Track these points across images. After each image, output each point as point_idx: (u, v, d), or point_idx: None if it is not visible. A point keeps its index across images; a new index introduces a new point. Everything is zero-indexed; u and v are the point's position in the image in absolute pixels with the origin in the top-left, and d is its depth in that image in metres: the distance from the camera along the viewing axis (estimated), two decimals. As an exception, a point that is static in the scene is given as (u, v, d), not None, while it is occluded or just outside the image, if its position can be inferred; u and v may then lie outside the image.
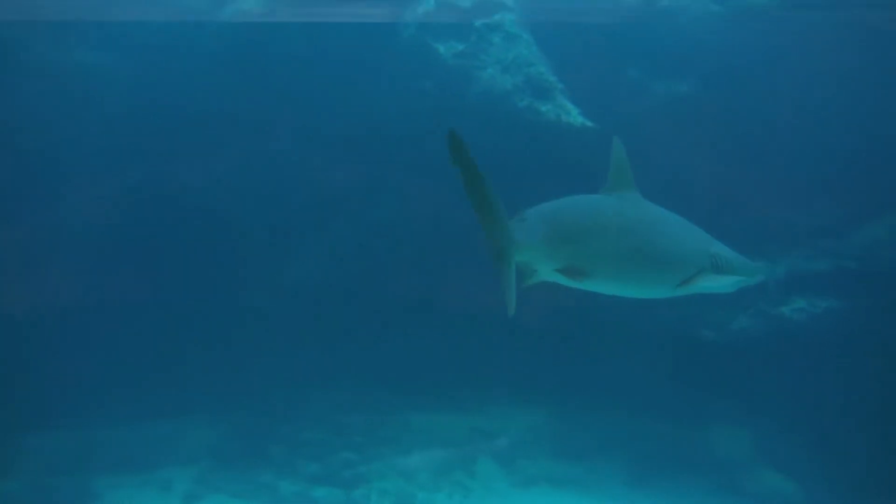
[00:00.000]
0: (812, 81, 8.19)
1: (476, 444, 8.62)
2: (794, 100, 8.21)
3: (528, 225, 4.00)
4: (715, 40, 8.26)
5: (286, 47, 8.30)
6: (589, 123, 8.04)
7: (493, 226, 3.78)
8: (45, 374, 8.18)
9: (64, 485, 7.82)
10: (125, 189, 8.47)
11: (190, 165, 8.44)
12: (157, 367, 8.52)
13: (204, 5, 8.22)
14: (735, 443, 8.29)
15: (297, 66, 8.30)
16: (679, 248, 4.12)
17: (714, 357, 8.07)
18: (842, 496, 7.45)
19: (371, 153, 8.48)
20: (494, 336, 8.65)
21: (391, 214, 8.69)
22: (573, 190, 8.11)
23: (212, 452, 8.44)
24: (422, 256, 8.60)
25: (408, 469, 8.28)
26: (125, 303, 8.59)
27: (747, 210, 7.95)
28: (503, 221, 3.82)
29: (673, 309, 7.94)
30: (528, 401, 8.75)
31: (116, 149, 8.24)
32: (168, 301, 8.66)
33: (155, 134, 8.26)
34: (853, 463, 7.42)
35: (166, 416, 8.52)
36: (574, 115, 8.04)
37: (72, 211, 8.33)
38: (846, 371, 7.50)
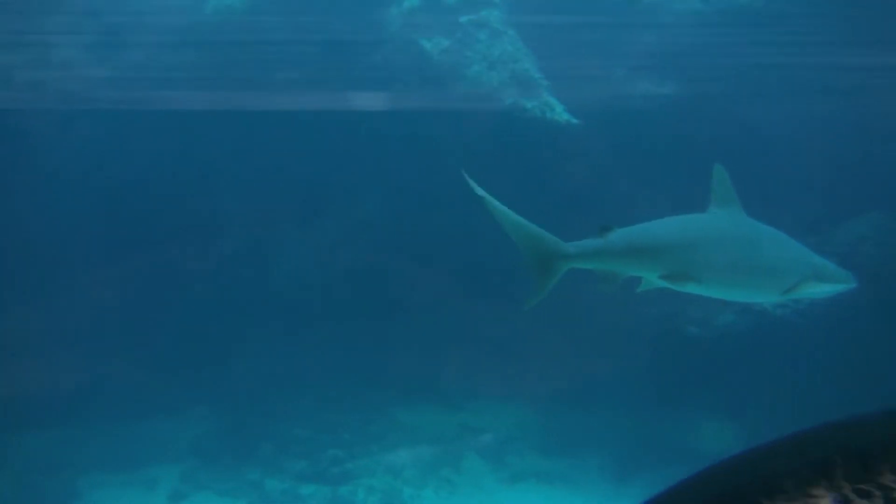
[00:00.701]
0: (797, 81, 8.24)
1: (463, 440, 8.64)
2: (779, 99, 8.26)
3: (607, 240, 4.68)
4: (699, 39, 8.29)
5: (270, 42, 8.28)
6: (574, 120, 8.06)
7: (536, 242, 4.67)
8: (30, 374, 8.13)
9: (49, 483, 7.78)
10: (113, 187, 8.45)
11: (182, 166, 8.43)
12: (143, 366, 8.48)
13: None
14: (720, 437, 8.34)
15: (282, 60, 8.28)
16: (780, 259, 4.76)
17: (699, 352, 8.12)
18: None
19: (356, 150, 8.47)
20: (482, 333, 8.66)
21: (379, 211, 8.68)
22: (562, 185, 8.15)
23: (198, 450, 8.42)
24: (410, 254, 8.59)
25: (395, 465, 8.29)
26: (111, 301, 8.55)
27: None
28: (546, 237, 4.69)
29: (658, 305, 7.98)
30: (514, 397, 8.77)
31: (104, 149, 8.26)
32: (154, 300, 8.62)
33: (143, 129, 8.26)
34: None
35: (152, 415, 8.49)
36: (559, 112, 8.06)
37: (58, 210, 8.30)
38: (829, 365, 7.56)
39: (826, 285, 4.75)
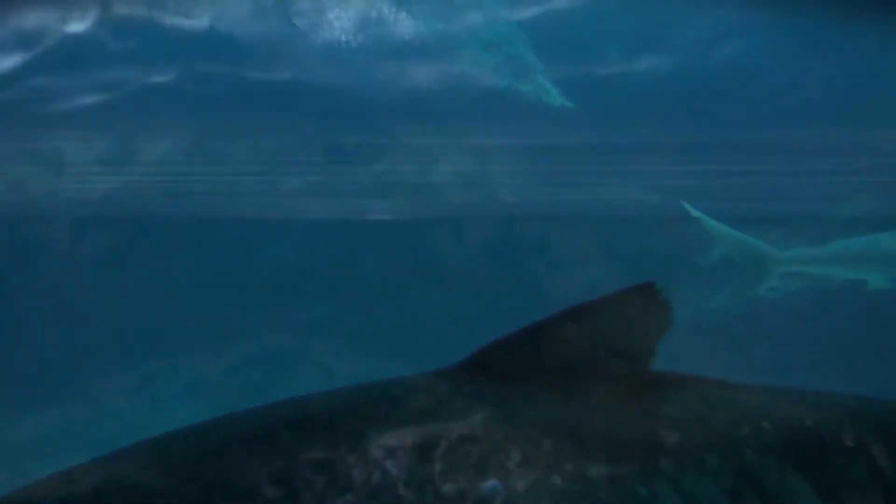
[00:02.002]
0: (793, 62, 8.23)
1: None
2: (775, 81, 8.25)
3: (825, 249, 6.08)
4: (694, 19, 8.26)
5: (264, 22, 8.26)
6: (569, 104, 8.04)
7: (750, 249, 6.18)
8: (19, 356, 8.15)
9: (40, 468, 7.76)
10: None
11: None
12: (134, 348, 8.51)
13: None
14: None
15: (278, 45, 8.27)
16: None
17: (690, 336, 8.16)
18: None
19: (347, 133, 8.47)
20: (474, 311, 8.69)
21: (370, 196, 8.70)
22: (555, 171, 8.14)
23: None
24: (397, 235, 8.64)
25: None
26: (103, 285, 8.57)
27: (724, 192, 8.01)
28: (760, 245, 6.21)
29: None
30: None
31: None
32: (146, 282, 8.66)
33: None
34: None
35: (143, 397, 8.52)
36: (554, 96, 8.03)
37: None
38: (821, 349, 7.62)
39: None
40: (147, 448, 1.64)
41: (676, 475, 1.52)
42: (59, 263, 8.40)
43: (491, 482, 1.42)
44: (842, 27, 7.53)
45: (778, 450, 1.63)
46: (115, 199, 8.23)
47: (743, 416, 1.71)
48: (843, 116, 8.05)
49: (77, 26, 7.94)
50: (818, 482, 1.61)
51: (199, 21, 8.10)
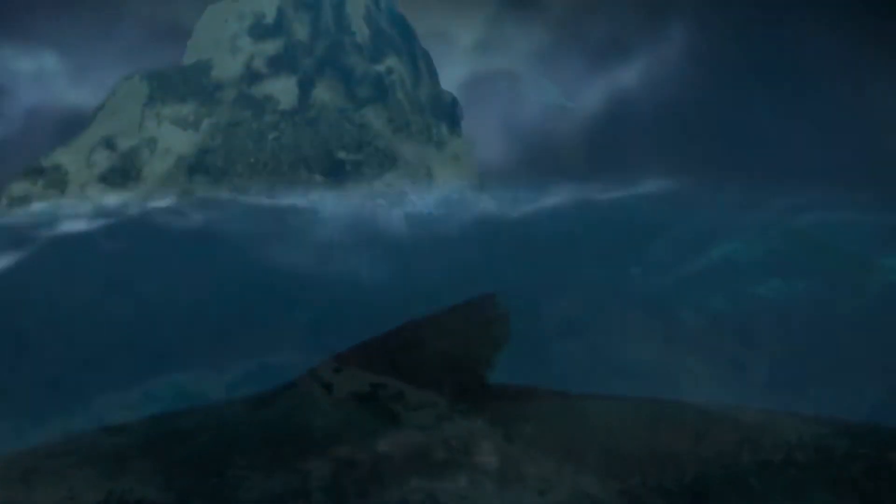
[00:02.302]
0: (788, 66, 8.22)
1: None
2: (775, 81, 8.25)
3: None
4: (692, 14, 8.26)
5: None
6: (568, 104, 8.04)
7: (852, 257, 6.27)
8: (24, 371, 8.16)
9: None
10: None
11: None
12: (136, 364, 8.54)
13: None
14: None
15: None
16: None
17: (693, 334, 8.15)
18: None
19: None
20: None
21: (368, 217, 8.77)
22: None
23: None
24: (395, 253, 8.69)
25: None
26: (106, 302, 8.62)
27: (724, 190, 8.01)
28: (858, 253, 6.30)
29: (651, 288, 8.02)
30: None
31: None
32: (148, 299, 8.72)
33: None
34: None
35: (144, 412, 8.51)
36: (553, 95, 8.04)
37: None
38: (820, 346, 7.60)
39: None
40: None
41: (494, 490, 1.51)
42: (63, 280, 8.46)
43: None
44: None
45: (593, 460, 1.65)
46: (119, 215, 8.30)
47: (571, 429, 1.71)
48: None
49: (71, 225, 8.13)
50: (626, 487, 1.64)
51: (192, 221, 8.26)
